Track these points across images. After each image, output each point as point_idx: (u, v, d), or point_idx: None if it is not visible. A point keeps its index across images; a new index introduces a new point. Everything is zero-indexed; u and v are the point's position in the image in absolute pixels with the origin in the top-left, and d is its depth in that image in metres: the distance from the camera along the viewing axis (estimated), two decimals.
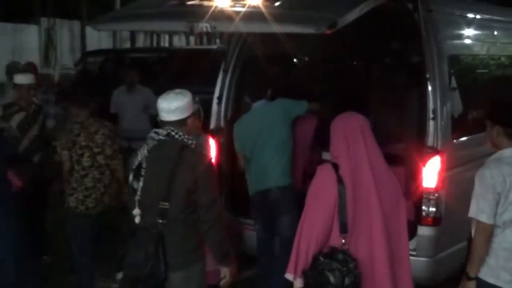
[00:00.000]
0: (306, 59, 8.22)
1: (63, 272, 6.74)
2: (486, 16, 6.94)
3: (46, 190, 7.00)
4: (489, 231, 3.91)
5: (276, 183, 5.61)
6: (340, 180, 3.45)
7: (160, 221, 3.85)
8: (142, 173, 3.93)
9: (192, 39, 27.11)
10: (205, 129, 6.04)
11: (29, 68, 8.60)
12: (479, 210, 3.88)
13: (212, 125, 6.32)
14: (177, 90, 4.04)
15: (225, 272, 4.12)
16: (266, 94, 5.88)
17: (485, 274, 3.96)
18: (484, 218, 3.88)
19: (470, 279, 3.97)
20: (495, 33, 7.07)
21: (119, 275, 4.00)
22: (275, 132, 5.65)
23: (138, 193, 3.93)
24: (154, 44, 26.41)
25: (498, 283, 3.95)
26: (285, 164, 5.65)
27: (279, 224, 5.58)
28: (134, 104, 8.68)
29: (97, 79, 12.59)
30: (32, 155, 6.40)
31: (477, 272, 3.96)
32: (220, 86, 6.36)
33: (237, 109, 6.46)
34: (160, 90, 4.43)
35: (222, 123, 6.33)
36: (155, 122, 4.64)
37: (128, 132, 8.37)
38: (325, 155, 4.64)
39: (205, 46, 20.43)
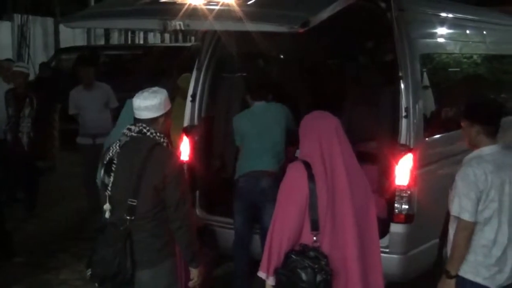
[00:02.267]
0: (281, 57, 8.24)
1: (39, 273, 6.72)
2: (459, 15, 7.01)
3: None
4: (471, 229, 3.95)
5: (270, 167, 5.73)
6: (311, 178, 3.46)
7: (128, 217, 3.84)
8: (113, 169, 3.92)
9: (167, 36, 27.02)
10: None
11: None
12: (462, 208, 3.92)
13: (186, 123, 6.31)
14: (153, 89, 4.03)
15: (194, 273, 4.11)
16: (265, 96, 6.01)
17: (464, 271, 4.00)
18: (467, 216, 3.91)
19: (450, 277, 4.00)
20: (467, 32, 7.14)
21: (88, 272, 3.99)
22: (276, 131, 5.83)
23: (109, 188, 3.93)
24: (129, 41, 26.26)
25: (477, 280, 3.99)
26: (279, 154, 5.82)
27: (264, 212, 5.53)
28: (94, 101, 8.60)
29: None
30: None
31: (458, 270, 4.00)
32: (194, 85, 6.34)
33: (211, 107, 6.46)
34: (135, 87, 4.43)
35: (196, 121, 6.32)
36: (116, 116, 4.65)
37: (92, 129, 8.36)
38: None
39: (180, 44, 20.34)
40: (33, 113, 8.42)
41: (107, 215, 3.97)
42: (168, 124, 4.05)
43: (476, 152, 4.06)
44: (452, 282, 4.00)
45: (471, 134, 4.06)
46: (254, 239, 5.81)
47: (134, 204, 3.86)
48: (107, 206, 3.97)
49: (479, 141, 4.05)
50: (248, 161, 5.84)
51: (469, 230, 3.94)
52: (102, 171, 4.01)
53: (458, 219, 3.95)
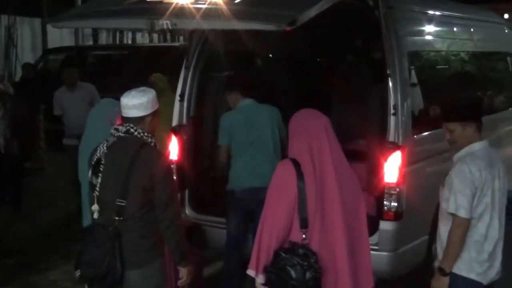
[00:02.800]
0: (270, 56, 8.24)
1: (29, 274, 6.70)
2: (446, 13, 7.03)
3: None
4: (466, 226, 3.96)
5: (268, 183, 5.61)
6: (300, 176, 3.46)
7: (116, 218, 3.83)
8: (101, 169, 3.91)
9: (155, 36, 26.94)
10: None
11: None
12: (458, 205, 3.93)
13: (174, 122, 6.29)
14: (141, 88, 4.03)
15: (183, 272, 4.10)
16: (255, 94, 5.86)
17: (458, 268, 4.01)
18: (463, 213, 3.93)
19: (445, 274, 4.01)
20: (455, 29, 7.16)
21: (77, 273, 3.97)
22: (268, 133, 5.70)
23: (97, 189, 3.91)
24: (117, 41, 26.17)
25: (470, 276, 4.01)
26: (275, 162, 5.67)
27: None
28: (78, 101, 8.55)
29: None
30: None
31: (452, 267, 4.01)
32: (182, 84, 6.33)
33: (199, 107, 6.45)
34: (123, 87, 4.41)
35: (184, 121, 6.30)
36: None
37: (77, 130, 8.30)
38: None
39: (168, 43, 20.30)
40: (7, 114, 8.32)
41: (95, 215, 3.96)
42: (155, 123, 4.04)
43: (466, 149, 4.07)
44: (447, 279, 4.01)
45: (466, 133, 4.06)
46: (247, 239, 5.77)
47: (123, 204, 3.84)
48: (95, 207, 3.95)
49: (476, 137, 4.07)
50: (245, 173, 5.67)
51: (465, 226, 3.96)
52: (90, 172, 3.99)
53: (454, 216, 3.96)
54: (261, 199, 5.48)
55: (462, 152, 4.08)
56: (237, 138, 5.73)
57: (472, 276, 4.01)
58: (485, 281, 4.04)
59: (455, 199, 3.93)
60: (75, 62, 11.29)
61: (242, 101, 5.85)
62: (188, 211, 6.19)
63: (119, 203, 3.84)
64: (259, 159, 5.63)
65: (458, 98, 4.52)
